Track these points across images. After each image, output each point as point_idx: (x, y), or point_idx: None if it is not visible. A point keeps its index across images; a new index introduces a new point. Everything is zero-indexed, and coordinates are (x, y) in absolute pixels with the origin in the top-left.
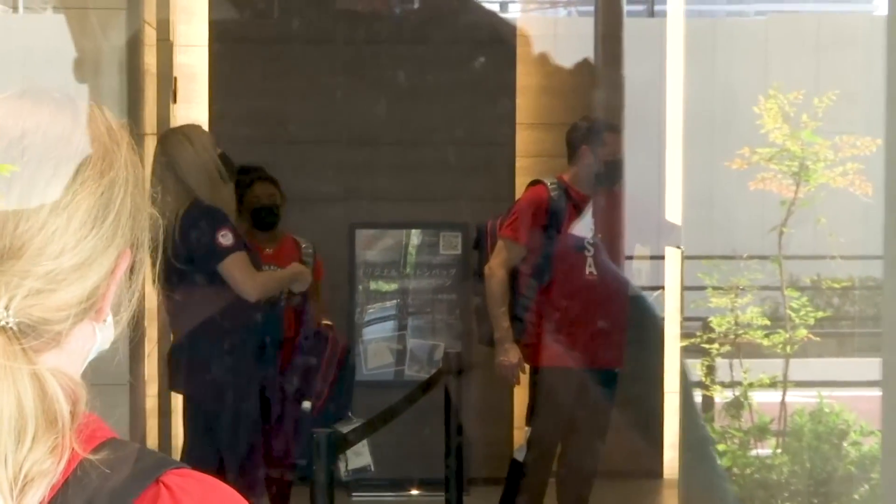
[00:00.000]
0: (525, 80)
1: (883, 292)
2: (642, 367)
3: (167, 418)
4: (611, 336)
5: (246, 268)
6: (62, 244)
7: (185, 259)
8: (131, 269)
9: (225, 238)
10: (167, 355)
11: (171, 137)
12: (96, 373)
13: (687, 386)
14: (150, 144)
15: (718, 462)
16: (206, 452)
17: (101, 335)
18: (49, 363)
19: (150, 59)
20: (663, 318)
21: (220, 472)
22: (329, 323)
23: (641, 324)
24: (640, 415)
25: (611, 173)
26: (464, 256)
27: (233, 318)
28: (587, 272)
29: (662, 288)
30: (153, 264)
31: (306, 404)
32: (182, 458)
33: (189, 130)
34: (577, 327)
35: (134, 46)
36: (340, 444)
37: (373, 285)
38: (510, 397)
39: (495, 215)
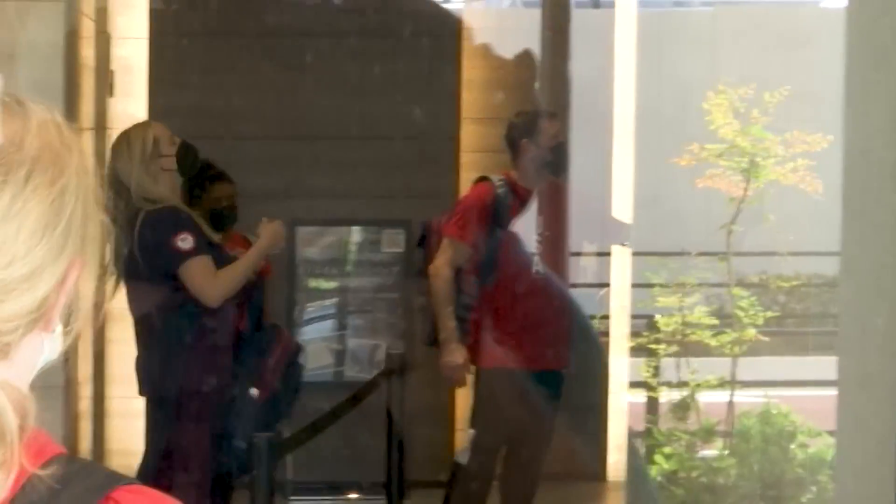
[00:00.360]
0: (470, 73)
1: (839, 292)
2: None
3: (100, 421)
4: (556, 336)
5: (205, 273)
6: (12, 254)
7: (144, 263)
8: (81, 278)
9: (184, 242)
10: (136, 360)
11: (115, 142)
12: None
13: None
14: (88, 139)
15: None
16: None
17: (50, 346)
18: None
19: (87, 52)
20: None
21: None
22: (275, 322)
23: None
24: (580, 416)
25: (557, 160)
26: (407, 254)
27: (189, 316)
28: (533, 271)
29: (608, 286)
30: (103, 268)
31: (254, 391)
32: (143, 463)
33: (128, 133)
34: (523, 327)
35: (71, 39)
36: (281, 448)
37: (312, 283)
38: (452, 399)
39: (440, 213)
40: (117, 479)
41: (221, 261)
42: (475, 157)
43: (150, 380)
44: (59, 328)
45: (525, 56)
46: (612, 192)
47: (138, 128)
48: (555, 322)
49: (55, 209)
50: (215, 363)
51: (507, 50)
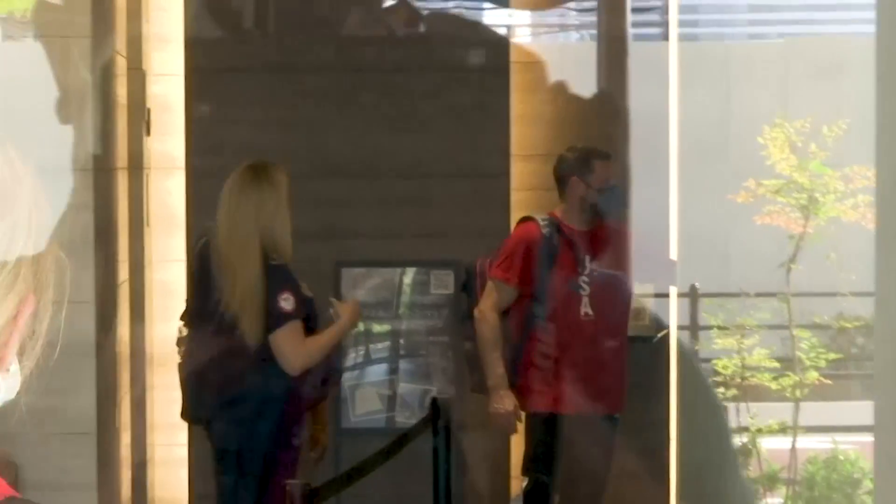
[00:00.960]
0: (521, 108)
1: (874, 331)
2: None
3: (142, 469)
4: (608, 380)
5: (297, 340)
6: None
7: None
8: (36, 315)
9: (286, 302)
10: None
11: (250, 179)
12: (58, 421)
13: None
14: (122, 179)
15: None
16: None
17: (6, 385)
18: None
19: (121, 90)
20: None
21: None
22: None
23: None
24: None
25: (605, 203)
26: (456, 295)
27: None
28: (582, 313)
29: (666, 329)
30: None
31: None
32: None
33: (271, 171)
34: (571, 371)
35: (104, 77)
36: (314, 497)
37: (360, 326)
38: (506, 446)
39: (485, 254)
40: None
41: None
42: (524, 195)
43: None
44: (14, 366)
45: (580, 90)
46: (671, 231)
47: (278, 169)
48: (606, 366)
49: (4, 246)
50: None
51: (562, 84)
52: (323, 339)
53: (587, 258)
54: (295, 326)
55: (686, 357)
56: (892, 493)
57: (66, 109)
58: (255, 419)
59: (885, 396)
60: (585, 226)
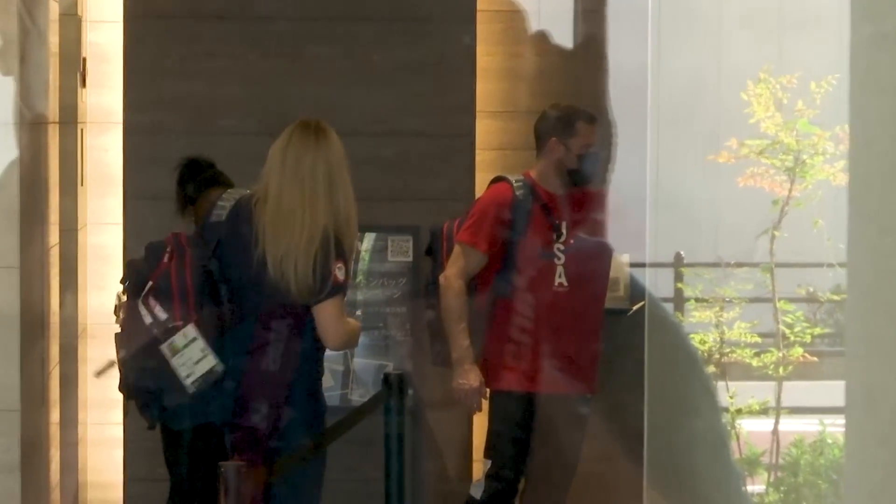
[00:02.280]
0: (487, 61)
1: (846, 305)
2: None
3: (72, 449)
4: (582, 357)
5: (343, 313)
6: None
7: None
8: None
9: (340, 272)
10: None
11: (329, 144)
12: None
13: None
14: (54, 134)
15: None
16: None
17: None
18: None
19: (53, 38)
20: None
21: None
22: None
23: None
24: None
25: (586, 169)
26: (415, 263)
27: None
28: (556, 283)
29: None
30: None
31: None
32: None
33: (333, 137)
34: (542, 346)
35: (34, 22)
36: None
37: None
38: (469, 426)
39: (452, 216)
40: None
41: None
42: (490, 155)
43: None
44: None
45: (552, 42)
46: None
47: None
48: (580, 342)
49: None
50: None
51: (531, 36)
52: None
53: (563, 224)
54: (342, 298)
55: (673, 330)
56: (862, 475)
57: (6, 59)
58: (234, 393)
59: (857, 375)
60: (562, 189)
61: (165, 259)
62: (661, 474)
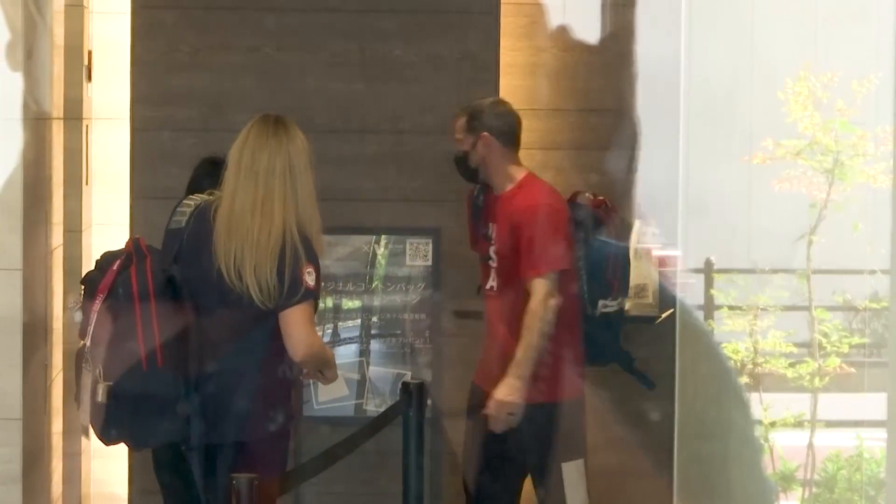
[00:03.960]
0: (511, 56)
1: (889, 315)
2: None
3: (76, 460)
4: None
5: (311, 320)
6: None
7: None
8: None
9: (310, 277)
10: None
11: (293, 137)
12: None
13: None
14: (58, 130)
15: None
16: None
17: None
18: None
19: (58, 29)
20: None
21: None
22: None
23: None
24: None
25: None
26: (435, 267)
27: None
28: (488, 286)
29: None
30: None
31: None
32: None
33: (297, 134)
34: (486, 352)
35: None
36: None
37: (328, 302)
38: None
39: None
40: None
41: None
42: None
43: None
44: None
45: (580, 37)
46: (679, 197)
47: (296, 126)
48: (504, 350)
49: None
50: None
51: (558, 29)
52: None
53: (492, 227)
54: (311, 306)
55: (705, 339)
56: None
57: (13, 53)
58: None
59: None
60: (499, 190)
61: (115, 266)
62: (691, 487)
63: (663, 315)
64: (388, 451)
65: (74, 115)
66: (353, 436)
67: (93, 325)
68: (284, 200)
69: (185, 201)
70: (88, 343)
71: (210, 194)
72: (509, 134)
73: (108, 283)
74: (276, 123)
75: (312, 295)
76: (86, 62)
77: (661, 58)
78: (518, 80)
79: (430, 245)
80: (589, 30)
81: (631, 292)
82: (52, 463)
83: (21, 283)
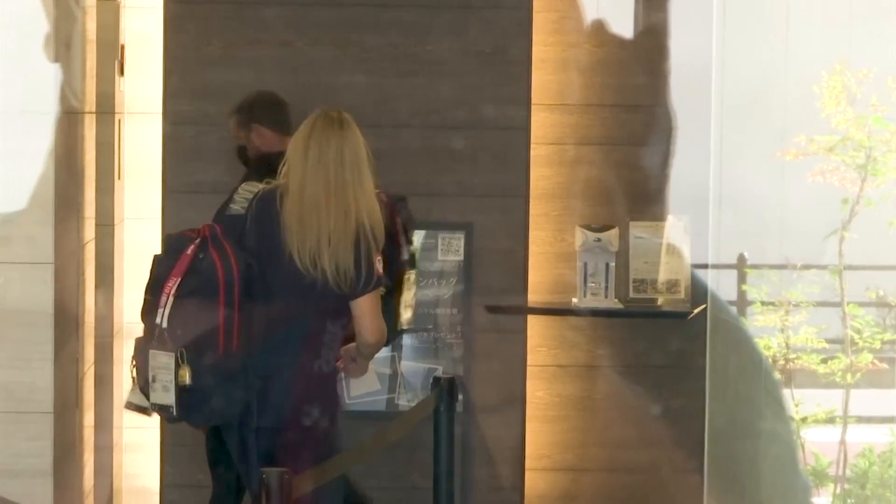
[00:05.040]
0: (543, 52)
1: None
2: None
3: (107, 454)
4: None
5: (380, 307)
6: None
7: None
8: None
9: (379, 264)
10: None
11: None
12: (10, 398)
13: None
14: (90, 125)
15: None
16: None
17: None
18: None
19: (90, 24)
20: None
21: None
22: None
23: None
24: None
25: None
26: (467, 262)
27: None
28: None
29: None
30: None
31: None
32: None
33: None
34: None
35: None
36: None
37: None
38: (521, 432)
39: (505, 213)
40: None
41: None
42: (546, 150)
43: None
44: None
45: (611, 32)
46: (711, 192)
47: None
48: None
49: None
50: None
51: (591, 24)
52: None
53: None
54: (380, 293)
55: (737, 335)
56: None
57: (51, 45)
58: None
59: None
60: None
61: (189, 251)
62: (722, 484)
63: (695, 311)
64: (419, 446)
65: (107, 109)
66: (385, 430)
67: (167, 307)
68: (355, 190)
69: (242, 188)
70: (165, 324)
71: (267, 183)
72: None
73: (185, 266)
74: (339, 116)
75: (382, 282)
76: (118, 57)
77: (693, 53)
78: (550, 75)
79: (462, 240)
80: (621, 25)
81: (662, 287)
82: (84, 457)
83: (52, 276)
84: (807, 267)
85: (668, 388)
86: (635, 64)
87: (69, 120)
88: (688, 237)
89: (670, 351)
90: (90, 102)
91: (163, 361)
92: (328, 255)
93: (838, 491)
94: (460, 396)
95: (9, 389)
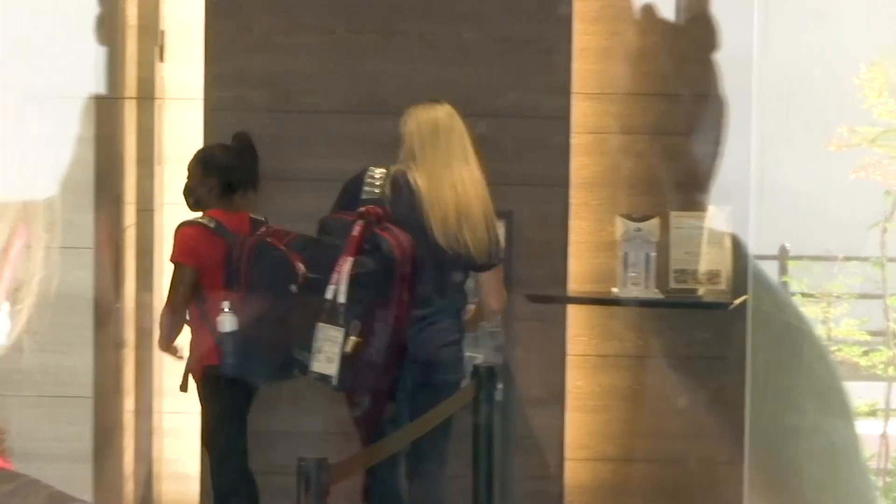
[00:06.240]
0: (585, 40)
1: None
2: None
3: (147, 439)
4: None
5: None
6: None
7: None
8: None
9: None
10: None
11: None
12: (50, 382)
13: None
14: (131, 110)
15: None
16: None
17: None
18: None
19: (131, 9)
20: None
21: None
22: None
23: None
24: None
25: None
26: (507, 251)
27: None
28: None
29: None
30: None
31: None
32: None
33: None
34: None
35: None
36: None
37: None
38: (561, 422)
39: (545, 202)
40: (62, 500)
41: None
42: (587, 139)
43: None
44: (5, 307)
45: (654, 19)
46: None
47: None
48: None
49: None
50: None
51: (633, 12)
52: None
53: None
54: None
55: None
56: None
57: (102, 30)
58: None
59: None
60: None
61: (356, 232)
62: (763, 476)
63: (736, 301)
64: (458, 435)
65: (147, 94)
66: (424, 418)
67: (343, 283)
68: (471, 169)
69: (369, 172)
70: (341, 300)
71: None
72: None
73: (355, 246)
74: (447, 107)
75: (503, 255)
76: (159, 42)
77: (733, 41)
78: (591, 63)
79: (503, 228)
80: (664, 13)
81: (703, 278)
82: (124, 441)
83: (92, 261)
84: (849, 259)
85: (708, 379)
86: (678, 52)
87: (110, 105)
88: (729, 227)
89: (711, 341)
90: (131, 88)
91: (331, 335)
92: (468, 231)
93: (881, 484)
94: (500, 385)
95: (49, 374)
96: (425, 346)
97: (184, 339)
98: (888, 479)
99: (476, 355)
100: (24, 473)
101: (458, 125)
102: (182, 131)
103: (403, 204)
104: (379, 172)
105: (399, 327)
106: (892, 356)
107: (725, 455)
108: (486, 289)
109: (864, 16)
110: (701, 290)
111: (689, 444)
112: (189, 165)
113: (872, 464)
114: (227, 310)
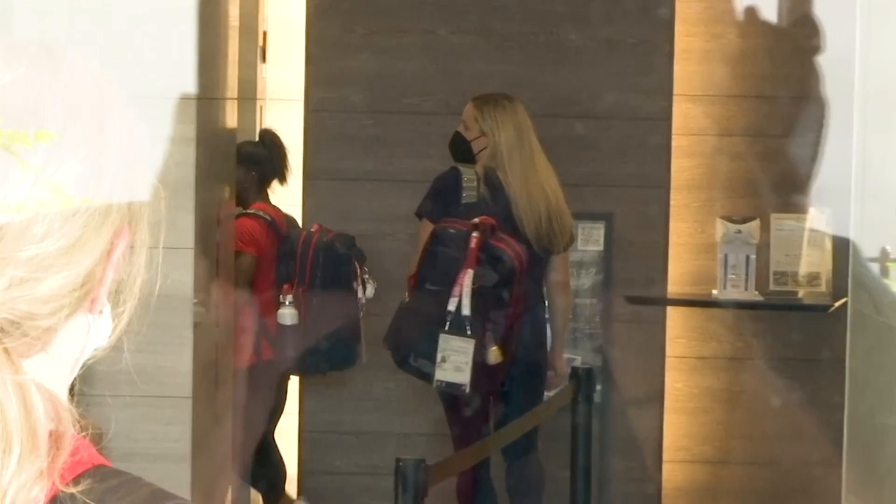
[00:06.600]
0: (686, 42)
1: None
2: None
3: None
4: None
5: None
6: (47, 224)
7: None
8: (132, 250)
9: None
10: None
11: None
12: (150, 382)
13: None
14: (232, 111)
15: None
16: None
17: (98, 330)
18: (33, 369)
19: (233, 10)
20: None
21: None
22: None
23: None
24: None
25: None
26: (607, 252)
27: None
28: None
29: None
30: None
31: None
32: None
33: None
34: None
35: None
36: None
37: None
38: (660, 424)
39: (645, 203)
40: (163, 496)
41: None
42: (687, 140)
43: None
44: (107, 308)
45: (755, 22)
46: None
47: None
48: None
49: (94, 171)
50: None
51: (734, 14)
52: None
53: None
54: None
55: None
56: None
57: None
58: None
59: None
60: None
61: (474, 244)
62: (862, 480)
63: (836, 304)
64: (557, 436)
65: (248, 95)
66: (522, 419)
67: (466, 296)
68: (546, 163)
69: (465, 174)
70: (465, 312)
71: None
72: None
73: (475, 258)
74: (515, 99)
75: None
76: (260, 43)
77: (835, 41)
78: (693, 65)
79: (602, 230)
80: (766, 15)
81: (803, 280)
82: (221, 442)
83: (192, 262)
84: None
85: (808, 382)
86: (780, 54)
87: (211, 106)
88: (830, 229)
89: (810, 344)
90: (232, 88)
91: (458, 345)
92: (556, 223)
93: None
94: (598, 387)
95: (149, 373)
96: (525, 346)
97: None
98: None
99: (575, 357)
100: (127, 471)
101: (529, 120)
102: (283, 132)
103: (501, 206)
104: (471, 173)
105: (512, 329)
106: None
107: (823, 457)
108: (560, 273)
109: None
110: (801, 293)
111: (789, 446)
112: None
113: None
114: (287, 304)
